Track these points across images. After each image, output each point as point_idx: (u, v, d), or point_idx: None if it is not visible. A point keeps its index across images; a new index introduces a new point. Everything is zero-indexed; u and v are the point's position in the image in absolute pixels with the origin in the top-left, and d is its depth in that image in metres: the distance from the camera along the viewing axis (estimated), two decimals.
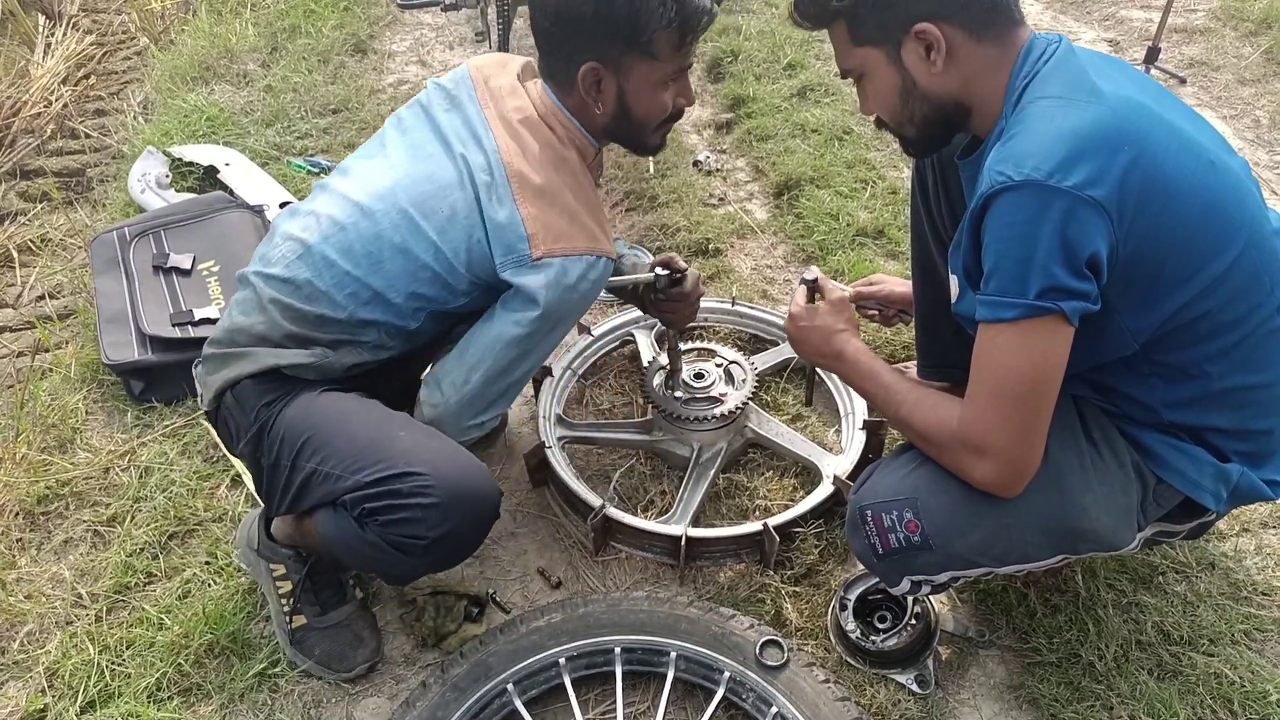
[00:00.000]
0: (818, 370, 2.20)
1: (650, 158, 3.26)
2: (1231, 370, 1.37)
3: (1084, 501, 1.39)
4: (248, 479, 1.87)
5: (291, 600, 1.73)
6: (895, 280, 2.03)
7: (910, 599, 1.70)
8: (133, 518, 2.04)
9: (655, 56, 1.58)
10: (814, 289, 1.73)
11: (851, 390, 2.18)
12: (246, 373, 1.61)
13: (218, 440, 1.99)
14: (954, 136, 1.51)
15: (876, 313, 2.05)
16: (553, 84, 1.66)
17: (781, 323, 2.40)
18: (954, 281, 1.51)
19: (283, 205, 2.93)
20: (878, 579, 1.63)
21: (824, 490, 1.94)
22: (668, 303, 1.97)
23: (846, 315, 1.65)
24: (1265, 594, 1.78)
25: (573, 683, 1.64)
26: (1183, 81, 3.72)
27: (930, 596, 1.75)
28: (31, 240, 3.08)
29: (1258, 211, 1.36)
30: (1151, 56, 3.51)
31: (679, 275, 1.94)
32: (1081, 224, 1.20)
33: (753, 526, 1.86)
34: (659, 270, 1.92)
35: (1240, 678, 1.62)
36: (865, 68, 1.44)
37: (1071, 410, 1.45)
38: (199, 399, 1.74)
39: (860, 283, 2.06)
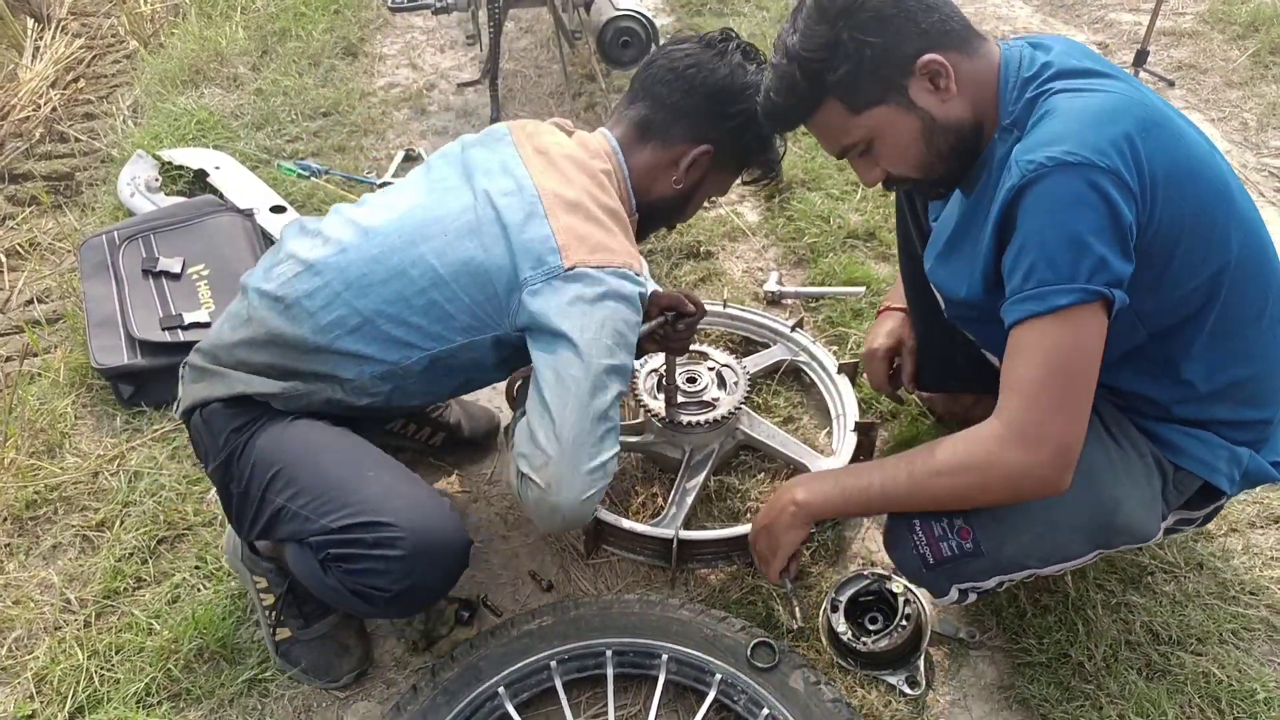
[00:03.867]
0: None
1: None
2: (1231, 363, 1.40)
3: (1117, 495, 1.41)
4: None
5: (274, 613, 1.73)
6: (881, 332, 1.98)
7: (901, 600, 1.71)
8: (122, 522, 2.03)
9: (738, 176, 1.72)
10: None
11: (843, 392, 2.18)
12: (217, 395, 1.55)
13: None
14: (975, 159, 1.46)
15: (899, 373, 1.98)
16: (636, 135, 1.65)
17: (774, 325, 2.40)
18: (938, 292, 1.59)
19: (273, 209, 2.93)
20: (924, 588, 1.61)
21: None
22: (675, 337, 1.91)
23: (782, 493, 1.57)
24: (1253, 593, 1.79)
25: (564, 685, 1.64)
26: (1171, 84, 3.74)
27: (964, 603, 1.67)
28: (20, 244, 3.06)
29: (1250, 202, 1.40)
30: (1140, 59, 3.53)
31: (687, 311, 1.88)
32: (1121, 201, 1.20)
33: (744, 529, 1.86)
34: (665, 315, 1.86)
35: (1228, 677, 1.63)
36: (875, 130, 1.38)
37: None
38: (176, 403, 1.67)
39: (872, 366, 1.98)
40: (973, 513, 1.42)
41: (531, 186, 1.50)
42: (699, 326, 2.45)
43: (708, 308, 2.44)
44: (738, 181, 1.77)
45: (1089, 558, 1.50)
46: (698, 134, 1.63)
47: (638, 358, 1.90)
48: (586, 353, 1.44)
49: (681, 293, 1.90)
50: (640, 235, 1.75)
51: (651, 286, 2.03)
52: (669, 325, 1.87)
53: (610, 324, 1.46)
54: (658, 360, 2.16)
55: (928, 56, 1.32)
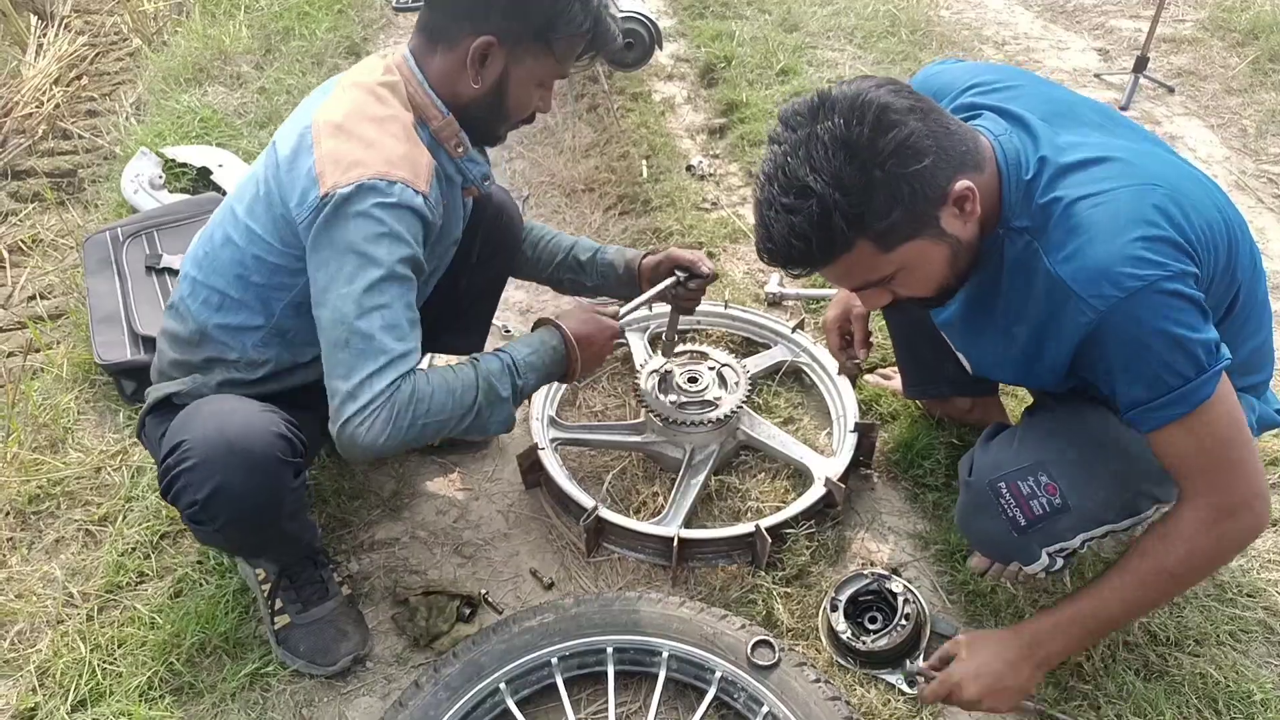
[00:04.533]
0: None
1: (644, 168, 3.28)
2: (1241, 342, 1.46)
3: None
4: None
5: (273, 601, 1.74)
6: (834, 302, 1.99)
7: (901, 600, 1.72)
8: (124, 517, 2.04)
9: (553, 55, 1.55)
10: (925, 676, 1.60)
11: (843, 393, 2.19)
12: (144, 412, 1.70)
13: None
14: None
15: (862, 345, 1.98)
16: (425, 42, 1.57)
17: (775, 326, 2.41)
18: (963, 357, 1.63)
19: None
20: (1008, 562, 1.64)
21: (815, 492, 1.95)
22: (687, 296, 1.96)
23: (991, 639, 1.51)
24: (1250, 595, 1.80)
25: (565, 682, 1.64)
26: (1171, 91, 3.76)
27: (1024, 576, 1.73)
28: (23, 240, 3.07)
29: (1232, 205, 1.45)
30: (1140, 66, 3.55)
31: (700, 273, 1.92)
32: (1195, 290, 1.26)
33: (745, 528, 1.88)
34: (678, 274, 1.92)
35: (1225, 678, 1.64)
36: (905, 264, 1.34)
37: None
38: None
39: (832, 321, 1.97)
40: (1053, 469, 1.46)
41: (308, 120, 1.50)
42: (699, 324, 2.47)
43: (709, 309, 2.47)
44: (577, 62, 1.62)
45: (1151, 511, 1.56)
46: (475, 27, 1.51)
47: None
48: (324, 294, 1.45)
49: (697, 254, 1.93)
50: (484, 139, 1.67)
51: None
52: (681, 285, 1.91)
53: (346, 252, 1.43)
54: (658, 362, 2.17)
55: (961, 184, 1.28)
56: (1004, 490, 1.50)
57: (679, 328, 2.11)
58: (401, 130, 1.50)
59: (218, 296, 1.59)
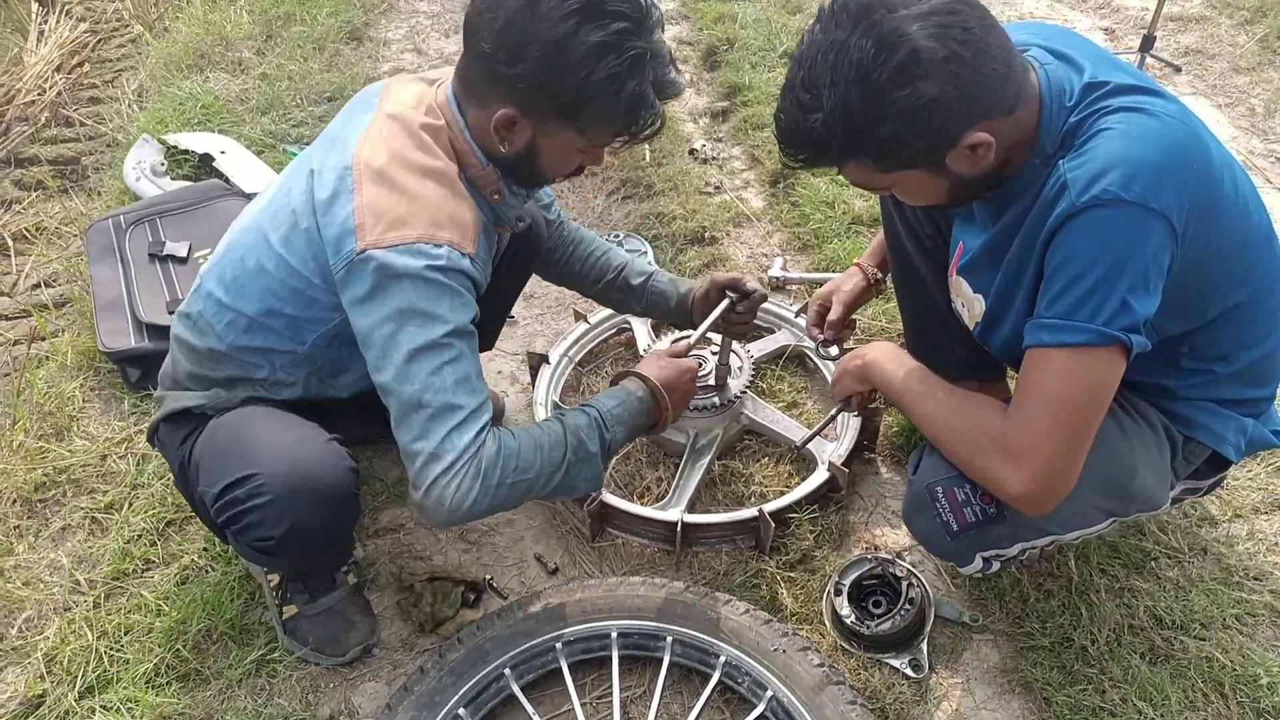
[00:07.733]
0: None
1: (647, 152, 3.26)
2: (1238, 350, 1.42)
3: (1133, 460, 1.43)
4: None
5: (280, 591, 1.74)
6: (831, 281, 2.01)
7: (905, 584, 1.72)
8: (130, 505, 2.04)
9: (584, 135, 1.45)
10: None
11: None
12: (160, 416, 1.65)
13: None
14: None
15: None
16: (463, 90, 1.47)
17: (778, 311, 2.41)
18: (979, 301, 1.53)
19: None
20: (947, 561, 1.60)
21: (819, 477, 1.95)
22: (739, 320, 1.93)
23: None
24: (1257, 579, 1.79)
25: (569, 667, 1.65)
26: (1178, 70, 3.72)
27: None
28: (26, 228, 3.06)
29: (1257, 197, 1.39)
30: (1147, 45, 3.51)
31: (750, 292, 1.89)
32: (1165, 249, 1.19)
33: (748, 512, 1.87)
34: (730, 294, 1.90)
35: (1231, 661, 1.64)
36: (899, 184, 1.36)
37: None
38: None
39: (816, 305, 2.01)
40: None
41: (350, 158, 1.42)
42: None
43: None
44: (613, 143, 1.50)
45: (1105, 524, 1.53)
46: (500, 95, 1.41)
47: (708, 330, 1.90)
48: (386, 358, 1.39)
49: (736, 275, 1.92)
50: (523, 186, 1.61)
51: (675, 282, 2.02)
52: (731, 308, 1.89)
53: (404, 312, 1.38)
54: (660, 346, 2.16)
55: (975, 136, 1.24)
56: (940, 494, 1.46)
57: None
58: (448, 185, 1.45)
59: (245, 320, 1.54)
